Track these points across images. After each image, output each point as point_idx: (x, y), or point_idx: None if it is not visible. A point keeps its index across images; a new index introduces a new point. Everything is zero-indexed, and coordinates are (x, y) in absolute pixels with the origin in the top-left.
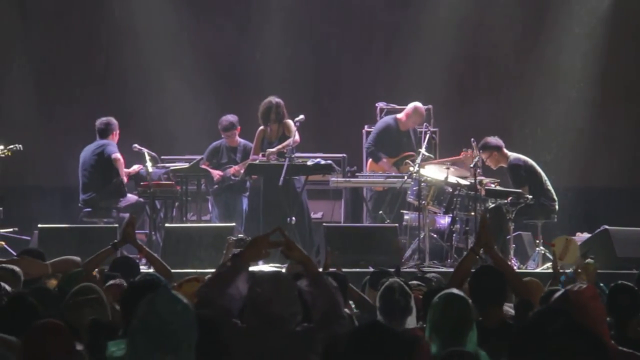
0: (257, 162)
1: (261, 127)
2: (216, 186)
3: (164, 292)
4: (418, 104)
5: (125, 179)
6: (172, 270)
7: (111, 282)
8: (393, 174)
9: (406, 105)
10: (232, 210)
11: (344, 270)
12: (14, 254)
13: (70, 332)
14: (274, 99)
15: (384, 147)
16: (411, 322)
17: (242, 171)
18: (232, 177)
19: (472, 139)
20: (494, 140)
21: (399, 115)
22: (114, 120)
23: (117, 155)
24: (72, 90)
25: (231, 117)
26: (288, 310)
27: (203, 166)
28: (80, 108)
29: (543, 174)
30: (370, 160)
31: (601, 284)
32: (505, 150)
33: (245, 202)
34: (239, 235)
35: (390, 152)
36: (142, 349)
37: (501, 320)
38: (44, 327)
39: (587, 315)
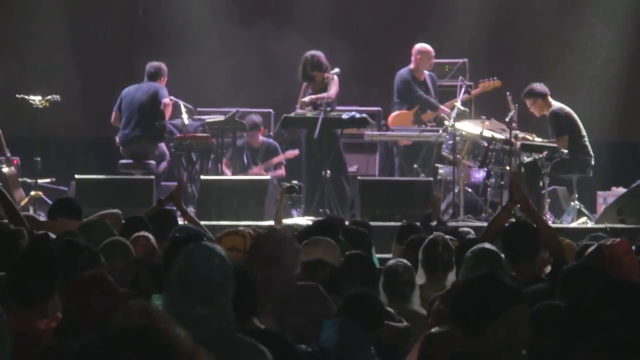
0: (292, 115)
1: (304, 84)
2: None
3: (202, 245)
4: (422, 44)
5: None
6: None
7: (136, 234)
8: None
9: (442, 57)
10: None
11: (377, 223)
12: (50, 203)
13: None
14: (308, 53)
15: (404, 100)
16: (452, 277)
17: (264, 171)
18: None
19: (508, 93)
20: (540, 87)
21: (411, 65)
22: (164, 66)
23: (168, 100)
24: (108, 41)
25: (255, 118)
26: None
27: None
28: (117, 60)
29: (582, 128)
30: (391, 116)
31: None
32: (550, 99)
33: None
34: (294, 182)
35: (410, 104)
36: (178, 301)
37: (534, 275)
38: (88, 279)
39: (620, 269)
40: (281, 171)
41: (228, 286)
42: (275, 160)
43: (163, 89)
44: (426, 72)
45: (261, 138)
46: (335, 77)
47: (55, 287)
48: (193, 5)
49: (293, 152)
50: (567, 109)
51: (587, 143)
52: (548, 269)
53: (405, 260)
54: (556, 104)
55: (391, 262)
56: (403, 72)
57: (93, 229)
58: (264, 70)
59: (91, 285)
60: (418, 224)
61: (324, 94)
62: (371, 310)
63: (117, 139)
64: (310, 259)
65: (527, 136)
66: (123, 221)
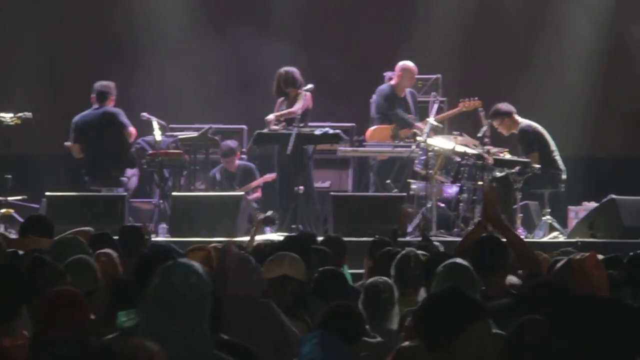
0: (265, 131)
1: (278, 100)
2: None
3: (179, 263)
4: (405, 62)
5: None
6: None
7: (98, 251)
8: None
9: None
10: None
11: (350, 239)
12: (21, 220)
13: (86, 301)
14: (282, 69)
15: (382, 116)
16: (424, 292)
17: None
18: None
19: (481, 109)
20: (505, 106)
21: (392, 81)
22: (113, 85)
23: (134, 130)
24: (82, 59)
25: (231, 143)
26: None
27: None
28: (90, 77)
29: (552, 143)
30: (369, 130)
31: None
32: (517, 117)
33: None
34: (270, 212)
35: (389, 120)
36: (156, 319)
37: (504, 290)
38: (59, 295)
39: (590, 283)
40: (258, 194)
41: (205, 304)
42: (254, 184)
43: (122, 114)
44: (407, 88)
45: (237, 162)
46: (306, 93)
47: (21, 305)
48: (165, 21)
49: (271, 176)
50: (535, 125)
51: (558, 157)
52: None
53: (385, 278)
54: (524, 122)
55: (372, 279)
56: (384, 87)
57: (67, 246)
58: (237, 86)
59: (66, 300)
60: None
61: (289, 110)
62: (352, 323)
63: (85, 173)
64: (276, 276)
65: (500, 154)
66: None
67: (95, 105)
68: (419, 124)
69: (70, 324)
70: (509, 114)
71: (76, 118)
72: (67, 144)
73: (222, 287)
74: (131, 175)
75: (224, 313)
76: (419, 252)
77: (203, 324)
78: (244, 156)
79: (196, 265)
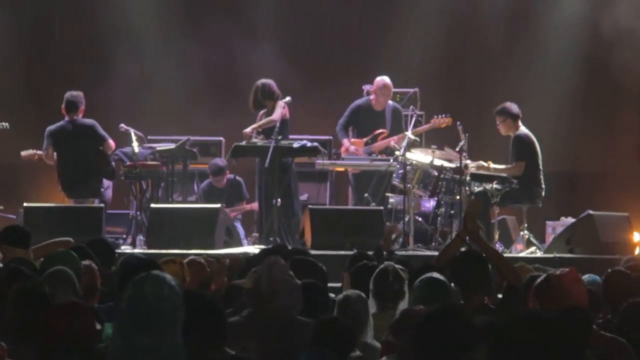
0: (243, 143)
1: (259, 113)
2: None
3: (151, 274)
4: (382, 77)
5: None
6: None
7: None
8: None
9: (393, 87)
10: None
11: (328, 252)
12: None
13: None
14: (259, 82)
15: (357, 127)
16: (402, 306)
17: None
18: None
19: (458, 123)
20: (514, 108)
21: (371, 96)
22: (82, 95)
23: (111, 141)
24: (60, 70)
25: (220, 162)
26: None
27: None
28: (68, 88)
29: (540, 160)
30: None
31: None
32: (520, 123)
33: None
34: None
35: (364, 132)
36: (128, 331)
37: (482, 304)
38: (66, 307)
39: (569, 299)
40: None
41: (177, 316)
42: (233, 214)
43: (98, 127)
44: (390, 103)
45: (225, 178)
46: (282, 102)
47: None
48: (143, 33)
49: (253, 205)
50: (532, 137)
51: (542, 175)
52: None
53: (358, 291)
54: (523, 130)
55: (344, 292)
56: (357, 101)
57: (60, 261)
58: (215, 97)
59: (72, 311)
60: (370, 253)
61: (267, 119)
62: (343, 337)
63: (60, 186)
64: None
65: (483, 163)
66: None
67: (67, 118)
68: (345, 140)
69: (76, 335)
70: (514, 117)
71: (51, 127)
72: (38, 152)
73: (266, 300)
74: (106, 187)
75: (263, 327)
76: (398, 266)
77: (176, 335)
78: (233, 176)
79: (168, 277)
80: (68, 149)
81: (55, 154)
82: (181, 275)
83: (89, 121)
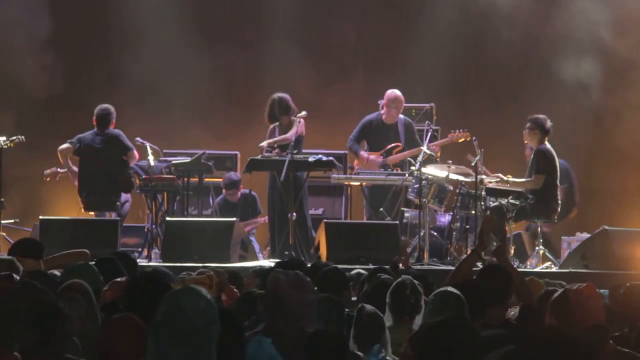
0: (258, 157)
1: (271, 126)
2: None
3: (188, 288)
4: (392, 90)
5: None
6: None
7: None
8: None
9: (409, 102)
10: None
11: (343, 266)
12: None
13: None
14: (275, 95)
15: (369, 142)
16: (419, 320)
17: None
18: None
19: (474, 138)
20: (548, 123)
21: (382, 110)
22: (113, 109)
23: (136, 153)
24: (76, 83)
25: (234, 176)
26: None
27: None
28: (82, 101)
29: (558, 176)
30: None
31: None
32: (546, 138)
33: None
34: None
35: (377, 146)
36: (164, 344)
37: (504, 320)
38: (120, 320)
39: (587, 314)
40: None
41: (213, 330)
42: (248, 228)
43: (125, 138)
44: (402, 117)
45: (239, 192)
46: (299, 119)
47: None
48: (160, 48)
49: (263, 218)
50: (554, 153)
51: (559, 192)
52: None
53: (371, 306)
54: (547, 145)
55: (359, 306)
56: (368, 116)
57: (78, 274)
58: (231, 111)
59: (126, 326)
60: (387, 267)
61: (282, 136)
62: (335, 347)
63: (80, 196)
64: None
65: (502, 176)
66: (92, 262)
67: (97, 129)
68: (362, 153)
69: (133, 348)
70: (544, 132)
71: (80, 135)
72: (60, 170)
73: (275, 321)
74: (124, 201)
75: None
76: (415, 280)
77: (211, 349)
78: (247, 191)
79: (204, 290)
80: (91, 160)
81: (77, 160)
82: (214, 289)
83: (115, 131)
